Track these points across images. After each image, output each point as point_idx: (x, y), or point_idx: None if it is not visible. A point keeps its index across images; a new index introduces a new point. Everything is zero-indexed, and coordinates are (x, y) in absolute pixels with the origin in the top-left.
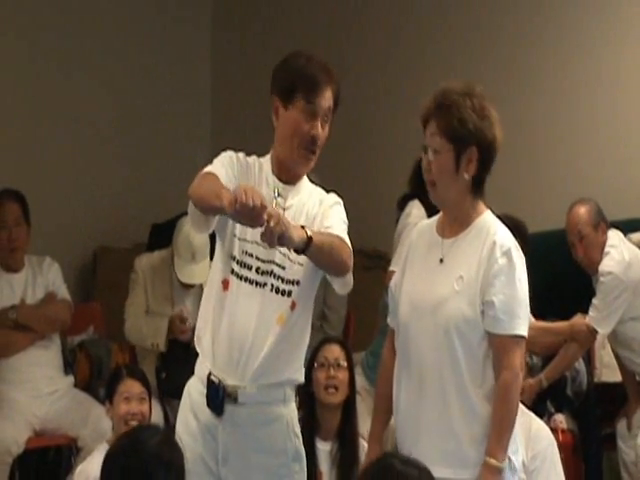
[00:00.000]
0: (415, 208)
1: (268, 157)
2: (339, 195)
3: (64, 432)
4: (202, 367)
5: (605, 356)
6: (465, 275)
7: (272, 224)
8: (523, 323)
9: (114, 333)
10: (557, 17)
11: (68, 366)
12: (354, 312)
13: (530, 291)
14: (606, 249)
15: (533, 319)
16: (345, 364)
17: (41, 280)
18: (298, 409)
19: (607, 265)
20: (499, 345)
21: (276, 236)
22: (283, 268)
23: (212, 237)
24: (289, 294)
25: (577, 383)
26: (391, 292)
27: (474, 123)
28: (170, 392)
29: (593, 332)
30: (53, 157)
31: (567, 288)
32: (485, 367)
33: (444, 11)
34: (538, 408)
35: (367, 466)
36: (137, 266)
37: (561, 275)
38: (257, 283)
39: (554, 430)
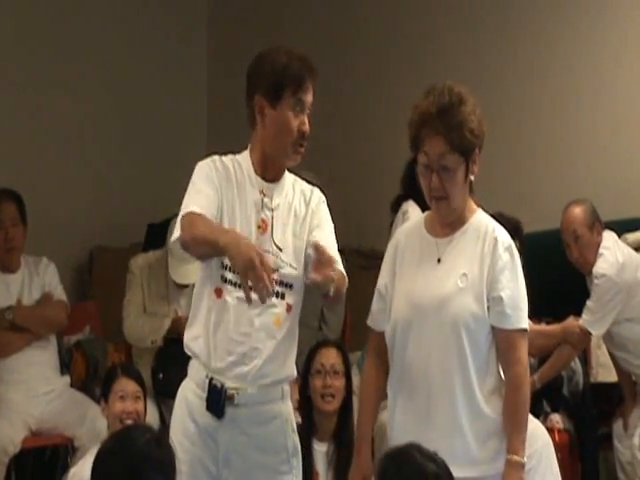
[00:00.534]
0: (411, 207)
1: (246, 155)
2: (338, 194)
3: (60, 432)
4: (198, 371)
5: (601, 356)
6: (468, 272)
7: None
8: (526, 316)
9: (110, 333)
10: (556, 17)
11: (64, 366)
12: (350, 312)
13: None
14: (600, 250)
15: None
16: (342, 369)
17: (37, 281)
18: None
19: (601, 267)
20: (506, 340)
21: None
22: (276, 270)
23: None
24: (283, 296)
25: (573, 383)
26: (380, 294)
27: (478, 128)
28: (166, 392)
29: (587, 334)
30: (49, 157)
31: (562, 288)
32: (489, 363)
33: (443, 11)
34: (534, 408)
35: (386, 454)
36: (133, 266)
37: (556, 275)
38: (252, 288)
39: (550, 430)
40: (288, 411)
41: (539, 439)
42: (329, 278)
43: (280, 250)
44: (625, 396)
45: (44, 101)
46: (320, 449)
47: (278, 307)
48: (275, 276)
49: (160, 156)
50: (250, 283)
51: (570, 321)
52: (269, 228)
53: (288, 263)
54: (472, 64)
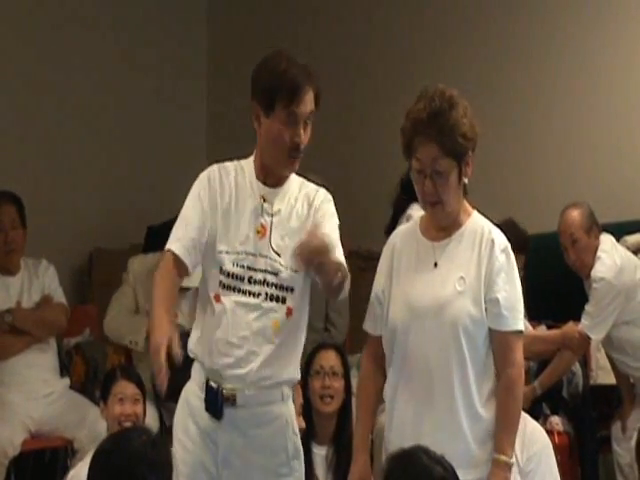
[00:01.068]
0: (415, 212)
1: (251, 160)
2: (337, 196)
3: (60, 434)
4: (199, 373)
5: (601, 358)
6: (466, 275)
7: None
8: (522, 318)
9: None
10: (551, 19)
11: (64, 368)
12: (350, 314)
13: (525, 293)
14: (598, 254)
15: (528, 325)
16: (341, 370)
17: (37, 283)
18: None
19: (599, 271)
20: (502, 341)
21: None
22: (276, 275)
23: None
24: (284, 301)
25: (573, 385)
26: (377, 299)
27: (470, 131)
28: (167, 395)
29: (586, 339)
30: (49, 160)
31: (562, 290)
32: (487, 365)
33: (449, 12)
34: (534, 410)
35: (392, 455)
36: (130, 267)
37: (555, 278)
38: (250, 293)
39: (550, 432)
40: (289, 413)
41: (538, 441)
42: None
43: (278, 255)
44: (623, 399)
45: (44, 104)
46: (319, 453)
47: (278, 311)
48: (274, 280)
49: (160, 158)
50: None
51: (569, 326)
52: (267, 233)
53: (287, 267)
54: (473, 68)
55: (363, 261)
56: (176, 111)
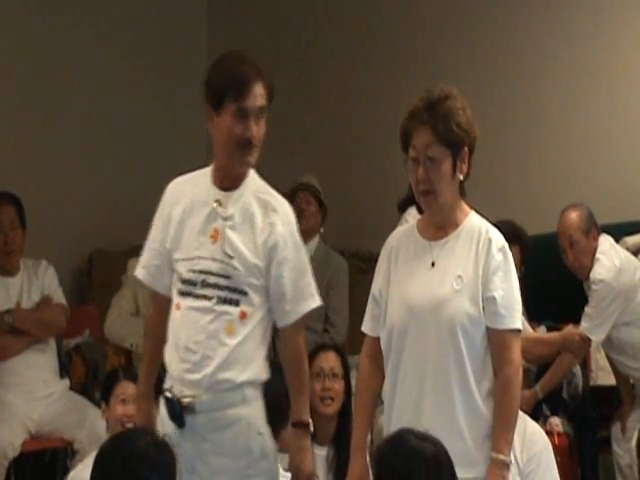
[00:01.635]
0: (411, 217)
1: (212, 166)
2: (337, 197)
3: (60, 435)
4: (167, 380)
5: (601, 359)
6: (463, 274)
7: None
8: (519, 317)
9: None
10: (550, 18)
11: (64, 369)
12: (350, 314)
13: (524, 295)
14: (597, 255)
15: (528, 326)
16: (341, 372)
17: (37, 284)
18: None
19: (598, 273)
20: (500, 340)
21: None
22: (228, 278)
23: None
24: (237, 303)
25: (573, 386)
26: (375, 299)
27: (466, 124)
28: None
29: (587, 341)
30: (49, 161)
31: (561, 291)
32: (485, 364)
33: (444, 13)
34: (534, 411)
35: (381, 443)
36: (129, 268)
37: (555, 278)
38: (204, 297)
39: (550, 433)
40: (252, 414)
41: (538, 442)
42: None
43: (231, 258)
44: (623, 399)
45: (44, 104)
46: (320, 453)
47: (231, 314)
48: (226, 283)
49: (160, 159)
50: None
51: (569, 329)
52: (220, 237)
53: (240, 270)
54: (472, 69)
55: (363, 262)
56: (176, 112)
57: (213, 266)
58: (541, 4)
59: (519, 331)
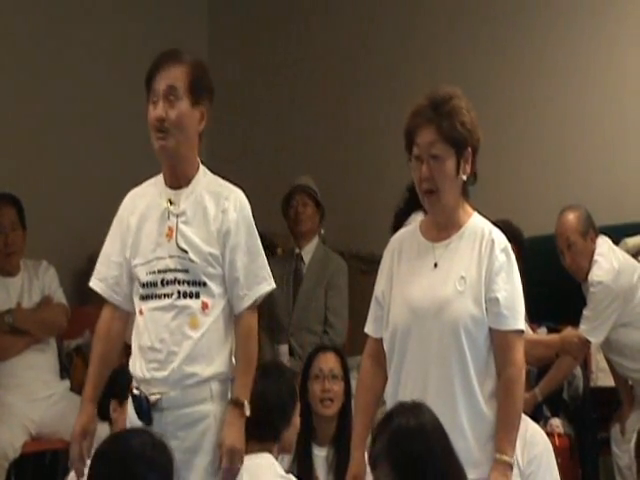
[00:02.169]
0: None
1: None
2: (338, 198)
3: (60, 436)
4: (133, 382)
5: (601, 361)
6: (466, 275)
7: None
8: (522, 318)
9: None
10: (546, 20)
11: (64, 370)
12: (350, 316)
13: (525, 295)
14: (595, 257)
15: (528, 328)
16: (340, 373)
17: (37, 284)
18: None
19: (596, 275)
20: (503, 341)
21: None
22: (186, 272)
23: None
24: (197, 295)
25: (573, 387)
26: (378, 301)
27: (470, 124)
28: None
29: (586, 343)
30: (49, 161)
31: (561, 292)
32: (488, 365)
33: (443, 15)
34: (534, 413)
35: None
36: None
37: (555, 279)
38: (165, 295)
39: (550, 434)
40: (220, 411)
41: (539, 444)
42: None
43: (186, 252)
44: (622, 401)
45: (44, 105)
46: (320, 454)
47: (193, 307)
48: (185, 277)
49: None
50: None
51: (568, 331)
52: (174, 233)
53: (196, 262)
54: (469, 71)
55: (364, 263)
56: None
57: (170, 263)
58: (537, 6)
59: (522, 332)
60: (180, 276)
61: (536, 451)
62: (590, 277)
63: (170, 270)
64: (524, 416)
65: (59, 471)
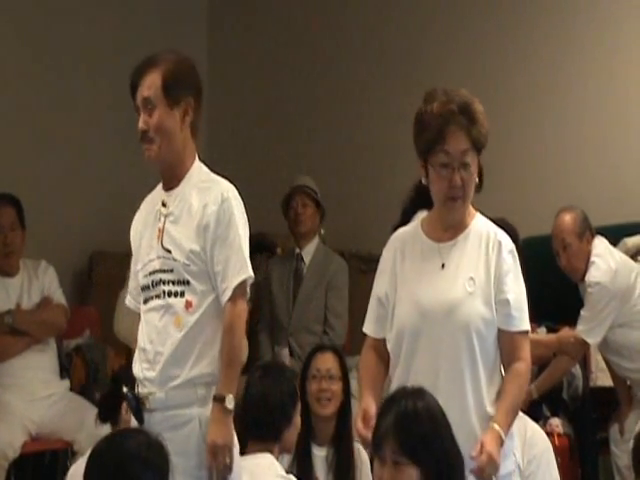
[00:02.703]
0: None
1: None
2: (337, 198)
3: (60, 436)
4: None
5: (601, 361)
6: (475, 276)
7: None
8: (527, 318)
9: (110, 337)
10: (546, 22)
11: (64, 370)
12: (350, 315)
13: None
14: (592, 259)
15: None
16: (338, 373)
17: (37, 284)
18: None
19: (594, 276)
20: (511, 341)
21: None
22: (171, 271)
23: None
24: (182, 294)
25: (573, 387)
26: (380, 302)
27: (486, 129)
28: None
29: (583, 343)
30: (49, 162)
31: (560, 292)
32: (495, 366)
33: (442, 16)
34: (534, 412)
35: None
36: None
37: (554, 279)
38: (156, 296)
39: (550, 434)
40: (205, 415)
41: (538, 444)
42: None
43: (169, 252)
44: (620, 401)
45: (44, 105)
46: (319, 454)
47: (177, 306)
48: (170, 277)
49: None
50: None
51: (565, 331)
52: (162, 235)
53: (179, 260)
54: (468, 72)
55: (363, 263)
56: None
57: (157, 264)
58: (538, 8)
59: (528, 332)
60: (165, 276)
61: (536, 451)
62: (587, 278)
63: (157, 271)
64: (524, 416)
65: (58, 471)
